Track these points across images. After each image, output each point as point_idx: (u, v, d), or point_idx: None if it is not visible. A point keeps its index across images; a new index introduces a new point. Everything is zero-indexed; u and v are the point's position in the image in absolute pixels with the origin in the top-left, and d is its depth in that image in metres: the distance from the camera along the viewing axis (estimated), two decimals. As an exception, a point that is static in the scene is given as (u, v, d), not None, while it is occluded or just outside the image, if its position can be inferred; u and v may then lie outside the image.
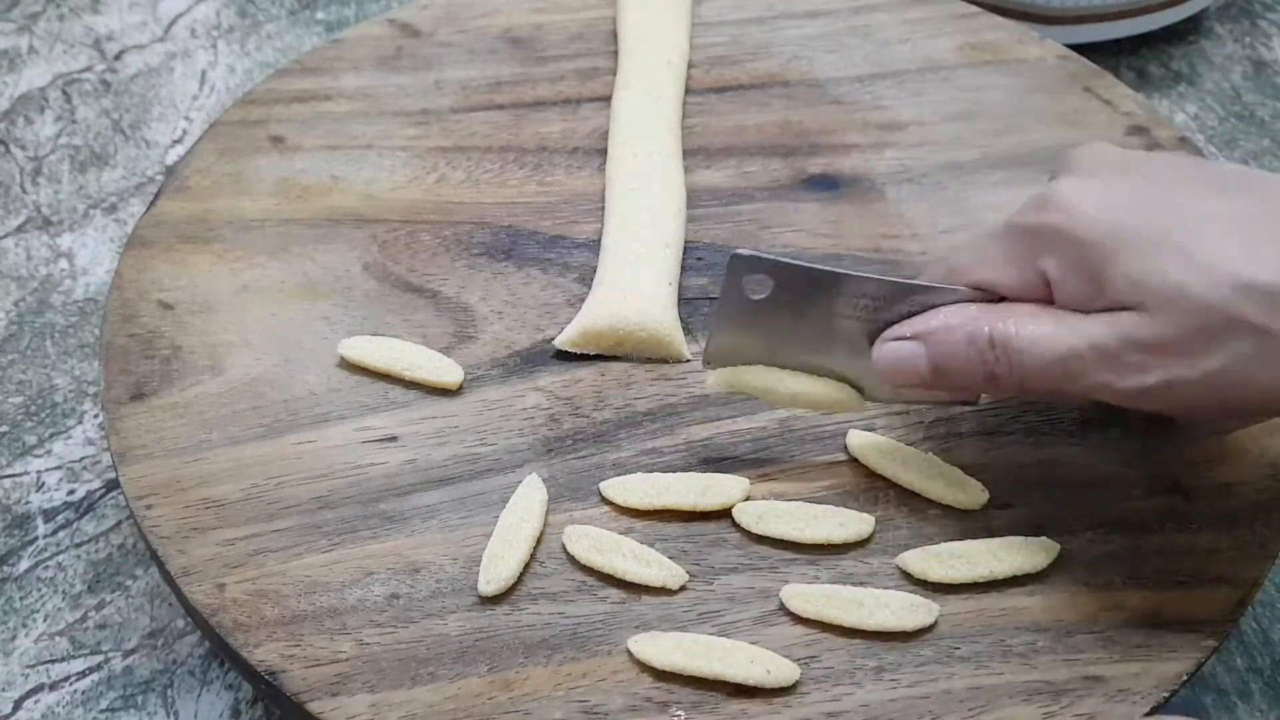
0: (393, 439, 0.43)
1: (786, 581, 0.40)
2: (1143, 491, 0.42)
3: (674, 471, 0.42)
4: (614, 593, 0.40)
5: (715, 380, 0.42)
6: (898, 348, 0.39)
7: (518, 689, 0.38)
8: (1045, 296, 0.37)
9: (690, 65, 0.55)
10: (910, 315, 0.39)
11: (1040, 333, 0.36)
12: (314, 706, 0.37)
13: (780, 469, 0.43)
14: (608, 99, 0.53)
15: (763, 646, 0.38)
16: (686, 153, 0.52)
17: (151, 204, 0.49)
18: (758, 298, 0.39)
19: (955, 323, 0.38)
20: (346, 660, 0.38)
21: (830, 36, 0.57)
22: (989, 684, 0.38)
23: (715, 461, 0.43)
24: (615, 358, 0.45)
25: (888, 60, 0.55)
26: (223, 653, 0.39)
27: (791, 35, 0.57)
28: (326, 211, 0.49)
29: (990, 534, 0.41)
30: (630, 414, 0.44)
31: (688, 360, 0.45)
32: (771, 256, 0.39)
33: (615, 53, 0.55)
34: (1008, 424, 0.44)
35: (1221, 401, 0.36)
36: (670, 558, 0.40)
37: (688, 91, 0.54)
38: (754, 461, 0.43)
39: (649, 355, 0.45)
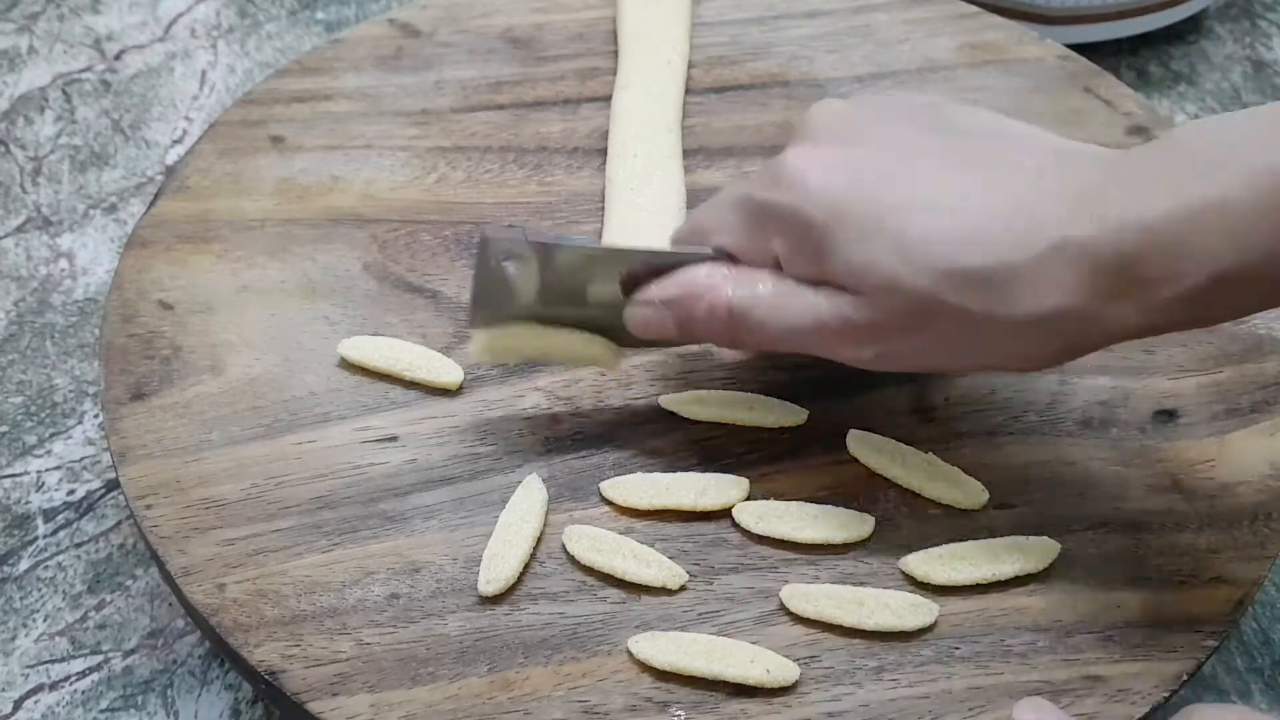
0: (393, 439, 0.43)
1: (786, 581, 0.40)
2: (1143, 491, 0.42)
3: (674, 471, 0.42)
4: (614, 593, 0.40)
5: (476, 351, 0.43)
6: (646, 313, 0.41)
7: (518, 689, 0.38)
8: (777, 265, 0.39)
9: (690, 65, 0.55)
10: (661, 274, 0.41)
11: (772, 305, 0.39)
12: (314, 706, 0.37)
13: (780, 469, 0.43)
14: (608, 99, 0.53)
15: (763, 646, 0.38)
16: (686, 153, 0.52)
17: (151, 204, 0.49)
18: (512, 273, 0.41)
19: (696, 290, 0.40)
20: (346, 660, 0.38)
21: (830, 36, 0.57)
22: (989, 684, 0.38)
23: (715, 462, 0.43)
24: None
25: (888, 60, 0.55)
26: (223, 653, 0.39)
27: (791, 35, 0.57)
28: (326, 211, 0.49)
29: (991, 534, 0.41)
30: (630, 414, 0.44)
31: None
32: (521, 236, 0.40)
33: (615, 53, 0.55)
34: (1008, 424, 0.44)
35: (937, 366, 0.40)
36: (670, 558, 0.40)
37: (688, 91, 0.54)
38: (754, 461, 0.43)
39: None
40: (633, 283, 0.41)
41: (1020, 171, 0.37)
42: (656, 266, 0.41)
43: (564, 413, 0.44)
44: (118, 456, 0.42)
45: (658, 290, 0.41)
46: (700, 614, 0.39)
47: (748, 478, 0.42)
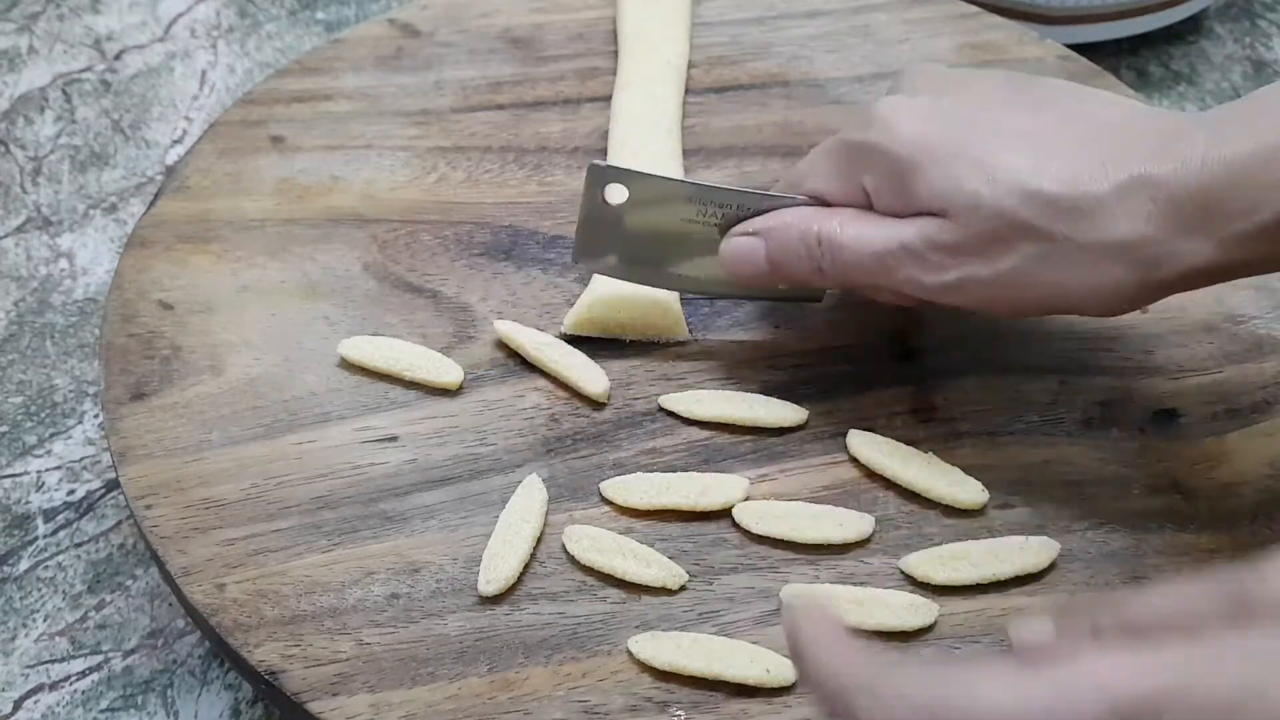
0: (393, 439, 0.43)
1: (786, 581, 0.40)
2: (1143, 491, 0.42)
3: (674, 471, 0.42)
4: (614, 593, 0.40)
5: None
6: (741, 241, 0.43)
7: (518, 689, 0.38)
8: (868, 204, 0.41)
9: (690, 65, 0.55)
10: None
11: (859, 232, 0.40)
12: (314, 706, 0.37)
13: (780, 469, 0.43)
14: (608, 99, 0.53)
15: (763, 646, 0.38)
16: (686, 153, 0.52)
17: (151, 204, 0.49)
18: (615, 203, 0.43)
19: (790, 220, 0.42)
20: (346, 660, 0.38)
21: (830, 36, 0.57)
22: (989, 684, 0.38)
23: (715, 462, 0.43)
24: (617, 343, 0.45)
25: (888, 60, 0.55)
26: (223, 653, 0.39)
27: (791, 35, 0.57)
28: (326, 211, 0.49)
29: (990, 534, 0.41)
30: (630, 414, 0.44)
31: (686, 341, 0.46)
32: (625, 167, 0.44)
33: (615, 53, 0.55)
34: (1008, 424, 0.44)
35: (1015, 297, 0.40)
36: (670, 558, 0.40)
37: (688, 91, 0.54)
38: (754, 461, 0.43)
39: (651, 334, 0.45)
40: (727, 228, 0.43)
41: (1104, 118, 0.39)
42: (753, 209, 0.43)
43: (564, 413, 0.44)
44: (118, 456, 0.42)
45: (753, 223, 0.43)
46: (700, 614, 0.39)
47: (748, 478, 0.42)
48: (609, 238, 0.44)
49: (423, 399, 0.44)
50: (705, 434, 0.43)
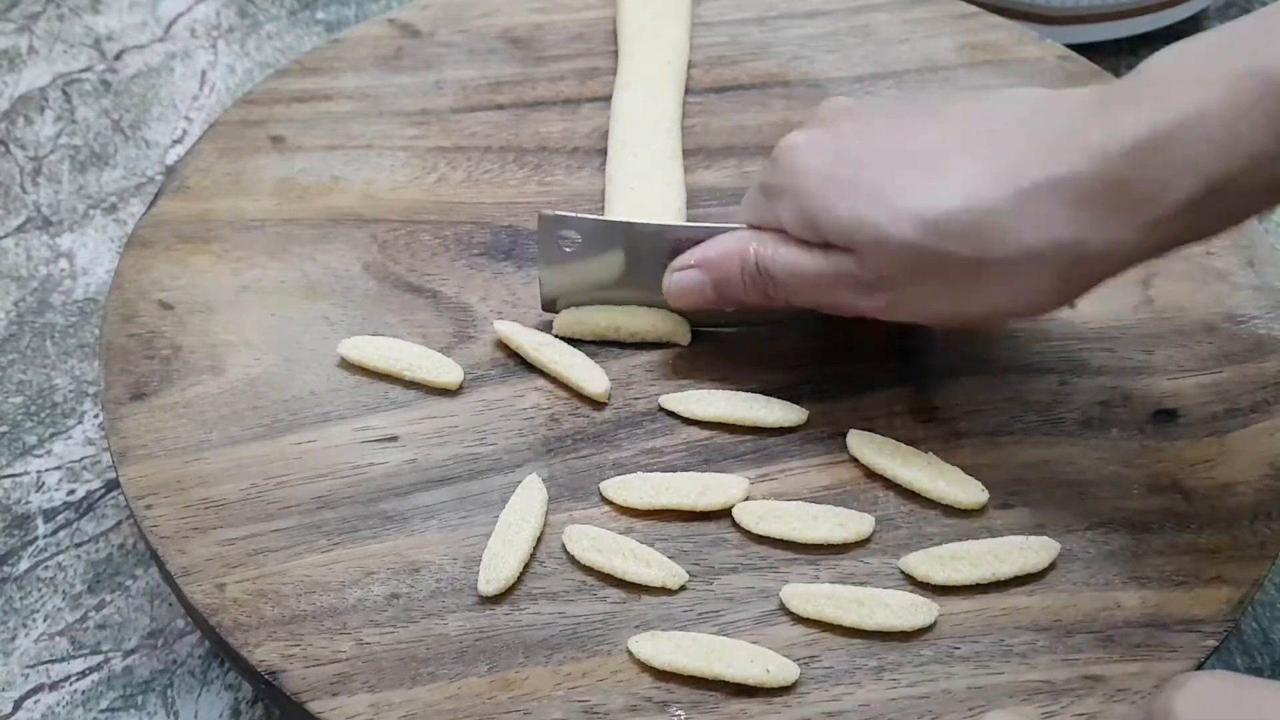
0: (393, 439, 0.43)
1: (786, 581, 0.40)
2: (1143, 491, 0.42)
3: (674, 471, 0.42)
4: (614, 592, 0.40)
5: (557, 326, 0.45)
6: (682, 276, 0.43)
7: (518, 689, 0.38)
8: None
9: (690, 65, 0.55)
10: None
11: (789, 259, 0.41)
12: (314, 706, 0.37)
13: (780, 469, 0.43)
14: (608, 99, 0.53)
15: (763, 646, 0.38)
16: (686, 153, 0.52)
17: (151, 204, 0.49)
18: (569, 250, 0.44)
19: (728, 248, 0.42)
20: (346, 660, 0.38)
21: (830, 36, 0.57)
22: (989, 684, 0.38)
23: (715, 462, 0.43)
24: (617, 343, 0.45)
25: (888, 60, 0.55)
26: (223, 652, 0.39)
27: (791, 35, 0.57)
28: (326, 211, 0.49)
29: (990, 534, 0.41)
30: (630, 414, 0.44)
31: (687, 345, 0.46)
32: (575, 215, 0.44)
33: (615, 53, 0.55)
34: (1008, 424, 0.44)
35: (949, 312, 0.40)
36: (670, 558, 0.40)
37: (688, 91, 0.54)
38: (754, 461, 0.43)
39: (649, 337, 0.45)
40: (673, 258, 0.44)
41: (999, 123, 0.38)
42: (695, 239, 0.43)
43: (564, 413, 0.44)
44: (118, 456, 0.42)
45: (691, 253, 0.43)
46: (700, 614, 0.39)
47: (748, 478, 0.42)
48: (570, 282, 0.45)
49: (423, 399, 0.44)
50: (705, 434, 0.43)
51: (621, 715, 0.37)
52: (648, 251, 0.44)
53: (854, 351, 0.46)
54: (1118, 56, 0.65)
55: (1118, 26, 0.63)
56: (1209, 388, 0.45)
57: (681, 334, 0.45)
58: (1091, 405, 0.45)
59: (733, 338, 0.46)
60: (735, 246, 0.42)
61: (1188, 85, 0.35)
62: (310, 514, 0.41)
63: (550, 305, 0.46)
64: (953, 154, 0.38)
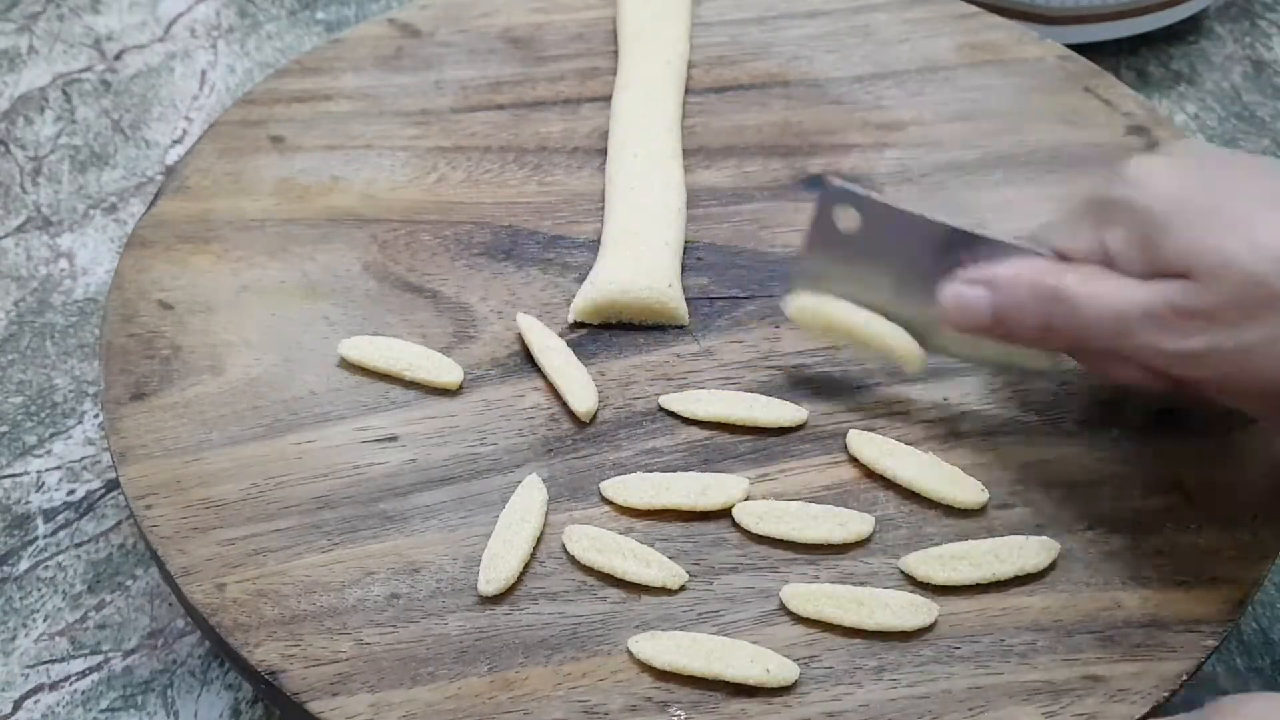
0: (393, 439, 0.43)
1: (786, 581, 0.40)
2: (1143, 491, 0.42)
3: (674, 471, 0.42)
4: (614, 592, 0.40)
5: (794, 311, 0.43)
6: (965, 290, 0.40)
7: (518, 689, 0.38)
8: (1108, 263, 0.38)
9: (690, 65, 0.55)
10: None
11: (1098, 290, 0.38)
12: (314, 706, 0.37)
13: (780, 469, 0.43)
14: (608, 99, 0.53)
15: (763, 646, 0.38)
16: (686, 153, 0.52)
17: (151, 204, 0.49)
18: (846, 230, 0.41)
19: (1022, 272, 0.39)
20: (346, 660, 0.38)
21: (830, 36, 0.57)
22: (989, 684, 0.38)
23: (715, 462, 0.43)
24: (618, 343, 0.46)
25: (888, 60, 0.55)
26: (223, 652, 0.39)
27: (791, 35, 0.57)
28: (326, 211, 0.49)
29: (990, 534, 0.41)
30: (630, 414, 0.44)
31: (686, 326, 0.46)
32: (864, 192, 0.41)
33: (615, 53, 0.55)
34: (1008, 424, 0.44)
35: (1261, 373, 0.36)
36: (670, 558, 0.40)
37: (688, 91, 0.54)
38: (754, 461, 0.43)
39: (652, 319, 0.46)
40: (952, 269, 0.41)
41: None
42: (985, 254, 0.40)
43: (564, 413, 0.44)
44: (118, 456, 0.42)
45: (979, 271, 0.40)
46: (700, 614, 0.39)
47: (748, 478, 0.42)
48: (829, 267, 0.42)
49: (423, 399, 0.44)
50: (705, 434, 0.43)
51: (621, 715, 0.37)
52: (931, 256, 0.40)
53: (854, 351, 0.46)
54: (1117, 56, 0.65)
55: (1118, 26, 0.63)
56: (1209, 388, 0.45)
57: (916, 361, 0.43)
58: (1091, 405, 0.45)
59: (733, 337, 0.46)
60: (1030, 271, 0.39)
61: None
62: (310, 514, 0.41)
63: (797, 284, 0.43)
64: None
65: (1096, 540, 0.41)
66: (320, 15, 0.67)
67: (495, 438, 0.43)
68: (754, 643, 0.38)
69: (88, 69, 0.64)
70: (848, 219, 0.41)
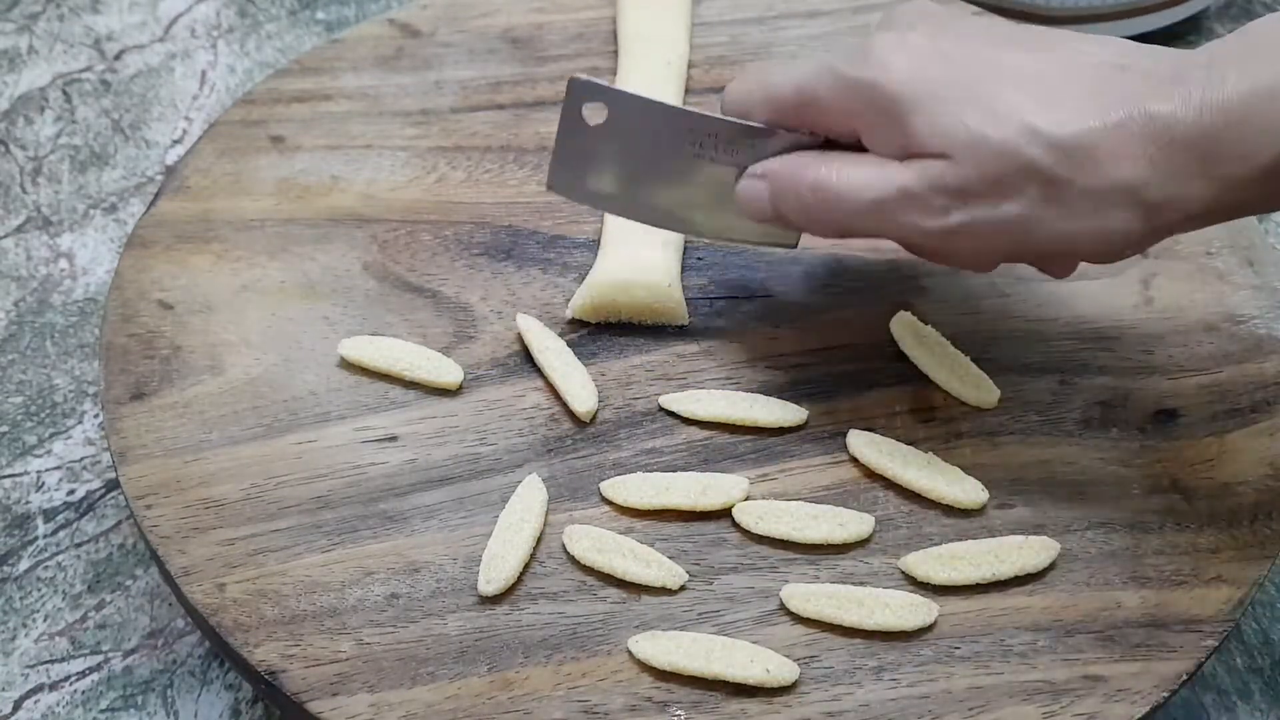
0: (393, 439, 0.43)
1: (786, 581, 0.40)
2: (1143, 491, 0.42)
3: (674, 471, 0.42)
4: (614, 592, 0.40)
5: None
6: (746, 183, 0.42)
7: (518, 689, 0.38)
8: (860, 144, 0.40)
9: (690, 65, 0.55)
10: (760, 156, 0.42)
11: (855, 177, 0.39)
12: (314, 706, 0.37)
13: (780, 469, 0.43)
14: (608, 99, 0.53)
15: (763, 646, 0.38)
16: (686, 153, 0.52)
17: (151, 204, 0.49)
18: (595, 123, 0.42)
19: (786, 165, 0.41)
20: (346, 660, 0.38)
21: (830, 36, 0.57)
22: (989, 684, 0.38)
23: (715, 462, 0.43)
24: (618, 344, 0.46)
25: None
26: (223, 652, 0.39)
27: (791, 35, 0.57)
28: (326, 211, 0.49)
29: (990, 534, 0.41)
30: (630, 414, 0.44)
31: (686, 326, 0.46)
32: (608, 85, 0.42)
33: (615, 53, 0.55)
34: (1008, 424, 0.44)
35: (1018, 243, 0.39)
36: (670, 558, 0.40)
37: (688, 91, 0.54)
38: (754, 461, 0.43)
39: (652, 318, 0.46)
40: (705, 158, 0.42)
41: (1102, 59, 0.38)
42: (750, 144, 0.42)
43: (564, 413, 0.44)
44: (118, 456, 0.42)
45: (761, 164, 0.42)
46: (700, 614, 0.39)
47: (748, 478, 0.42)
48: (587, 161, 0.43)
49: (423, 399, 0.44)
50: (705, 434, 0.43)
51: (621, 715, 0.37)
52: (672, 142, 0.42)
53: (854, 351, 0.46)
54: None
55: (1118, 27, 0.63)
56: (1209, 388, 0.45)
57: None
58: (1091, 405, 0.45)
59: (733, 337, 0.46)
60: (794, 164, 0.41)
61: None
62: (310, 514, 0.41)
63: (557, 184, 0.44)
64: (1056, 77, 0.37)
65: (1096, 540, 0.41)
66: (320, 15, 0.67)
67: (495, 438, 0.43)
68: (754, 643, 0.38)
69: (88, 69, 0.64)
70: (595, 113, 0.42)
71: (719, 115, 0.42)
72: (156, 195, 0.50)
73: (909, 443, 0.43)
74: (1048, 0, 0.62)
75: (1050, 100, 0.37)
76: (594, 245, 0.48)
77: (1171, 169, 0.36)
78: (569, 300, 0.47)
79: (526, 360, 0.45)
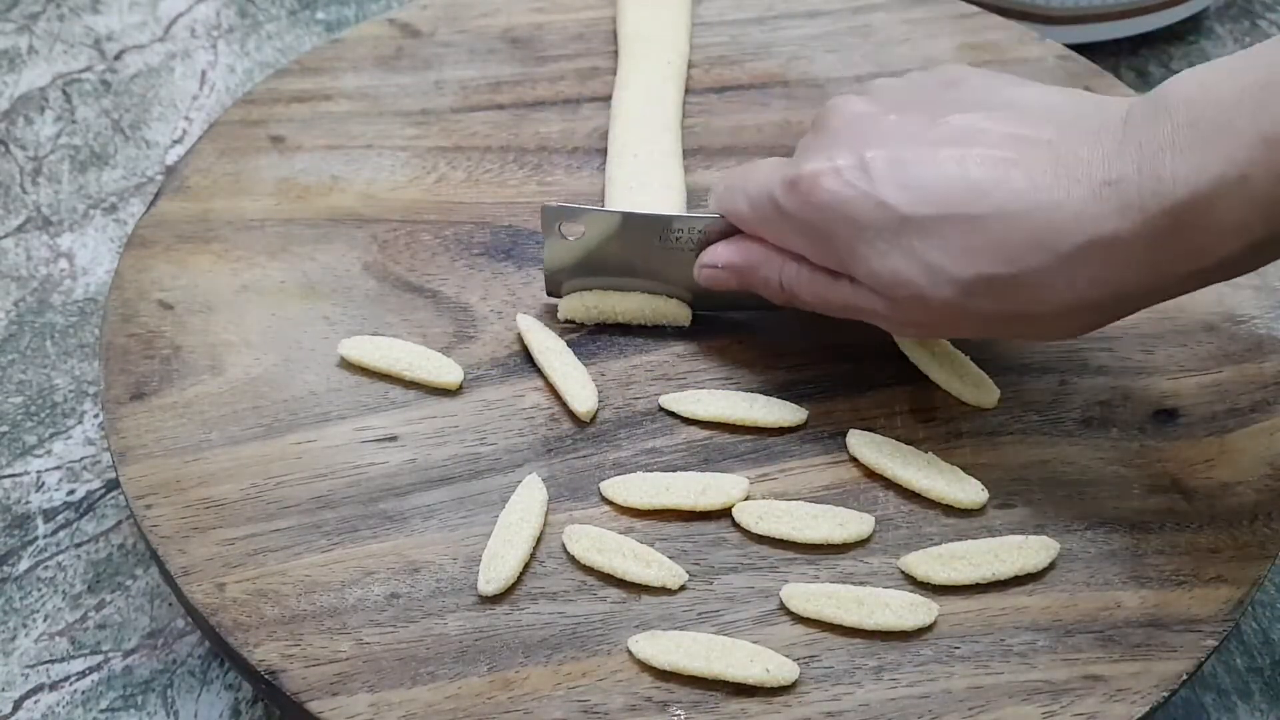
0: (393, 439, 0.43)
1: (786, 581, 0.40)
2: (1143, 491, 0.42)
3: (674, 471, 0.42)
4: (614, 592, 0.40)
5: (562, 310, 0.46)
6: (712, 274, 0.44)
7: (517, 688, 0.38)
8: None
9: (690, 65, 0.55)
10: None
11: (813, 289, 0.42)
12: (314, 706, 0.37)
13: (780, 469, 0.43)
14: (608, 99, 0.53)
15: (763, 646, 0.38)
16: (686, 152, 0.52)
17: (151, 204, 0.49)
18: (574, 239, 0.45)
19: (753, 263, 0.43)
20: (346, 660, 0.38)
21: (830, 36, 0.57)
22: (989, 683, 0.38)
23: (715, 461, 0.43)
24: (618, 344, 0.46)
25: (888, 60, 0.55)
26: (222, 652, 0.39)
27: (791, 35, 0.57)
28: (327, 211, 0.49)
29: (990, 534, 0.41)
30: (630, 414, 0.44)
31: (686, 326, 0.46)
32: (577, 206, 0.45)
33: (615, 53, 0.55)
34: (1008, 424, 0.44)
35: (986, 335, 0.43)
36: (670, 557, 0.40)
37: (688, 91, 0.54)
38: (754, 461, 0.43)
39: (653, 318, 0.46)
40: (692, 247, 0.45)
41: (1036, 152, 0.37)
42: (695, 229, 0.44)
43: (564, 413, 0.44)
44: (118, 456, 0.42)
45: (719, 256, 0.44)
46: (700, 614, 0.39)
47: (748, 478, 0.42)
48: (577, 269, 0.46)
49: (423, 399, 0.44)
50: (705, 434, 0.43)
51: (621, 715, 0.37)
52: (645, 240, 0.45)
53: (854, 351, 0.46)
54: (1118, 56, 0.65)
55: (1118, 26, 0.63)
56: (1209, 388, 0.45)
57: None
58: (1091, 405, 0.45)
59: (733, 337, 0.46)
60: (762, 262, 0.43)
61: (1223, 136, 0.33)
62: (310, 514, 0.41)
63: (555, 291, 0.46)
64: (994, 193, 0.37)
65: (1096, 540, 0.41)
66: (320, 15, 0.67)
67: (495, 438, 0.43)
68: (754, 642, 0.38)
69: (88, 69, 0.64)
70: (572, 229, 0.44)
71: (678, 214, 0.46)
72: (157, 195, 0.50)
73: (909, 443, 0.43)
74: (1048, 0, 0.62)
75: (986, 239, 0.37)
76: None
77: (1127, 277, 0.36)
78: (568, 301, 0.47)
79: (526, 360, 0.45)
